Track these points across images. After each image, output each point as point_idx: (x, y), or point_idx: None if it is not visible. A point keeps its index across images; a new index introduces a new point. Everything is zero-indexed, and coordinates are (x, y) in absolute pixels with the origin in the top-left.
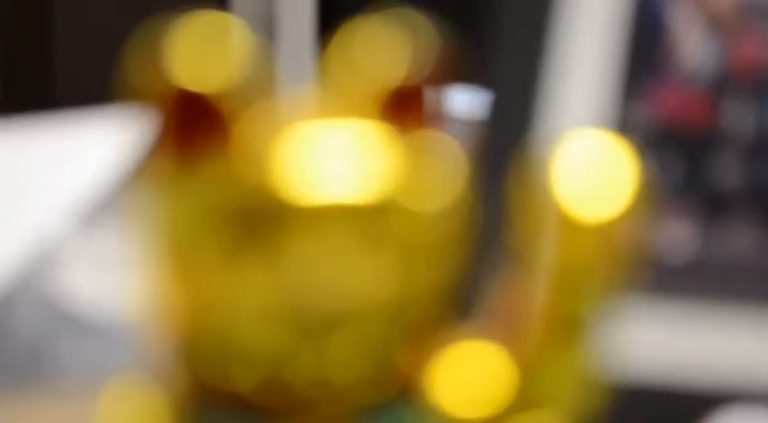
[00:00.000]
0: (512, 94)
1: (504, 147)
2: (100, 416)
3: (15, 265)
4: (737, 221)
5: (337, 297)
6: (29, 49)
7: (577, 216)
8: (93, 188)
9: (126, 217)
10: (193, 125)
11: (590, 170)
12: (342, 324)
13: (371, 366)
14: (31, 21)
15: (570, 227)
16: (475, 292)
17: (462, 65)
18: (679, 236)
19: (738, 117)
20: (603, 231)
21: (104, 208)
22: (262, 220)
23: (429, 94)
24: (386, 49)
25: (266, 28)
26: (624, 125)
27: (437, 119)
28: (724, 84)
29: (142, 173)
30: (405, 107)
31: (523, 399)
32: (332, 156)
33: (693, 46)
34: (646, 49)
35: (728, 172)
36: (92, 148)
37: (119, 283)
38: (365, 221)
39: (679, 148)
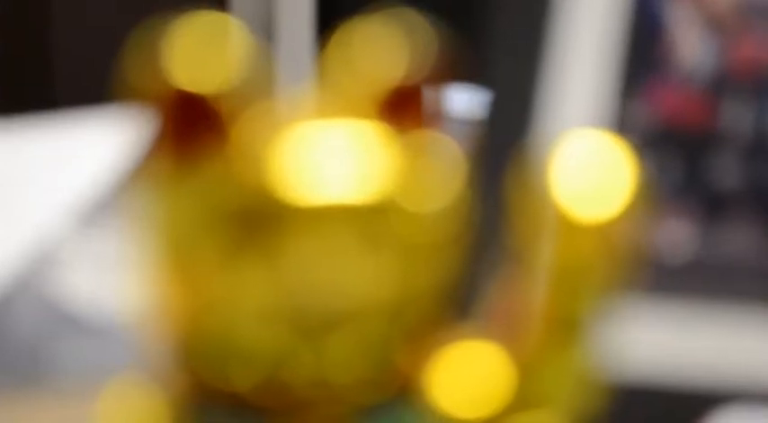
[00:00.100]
0: (510, 94)
1: (503, 147)
2: (99, 416)
3: (14, 265)
4: (736, 221)
5: (336, 297)
6: (28, 49)
7: (576, 216)
8: (93, 188)
9: (125, 217)
10: (192, 126)
11: (589, 170)
12: (341, 324)
13: (370, 366)
14: (30, 20)
15: (569, 227)
16: (474, 292)
17: (461, 65)
18: (678, 236)
19: (737, 117)
20: (602, 231)
21: (103, 208)
22: (261, 221)
23: (427, 94)
24: (384, 49)
25: (265, 29)
26: (623, 125)
27: (436, 119)
28: (723, 84)
29: (141, 173)
30: (403, 107)
31: (522, 399)
32: (331, 156)
33: (692, 46)
34: (644, 48)
35: (727, 172)
36: (91, 149)
37: (118, 283)
38: (364, 222)
39: (678, 148)
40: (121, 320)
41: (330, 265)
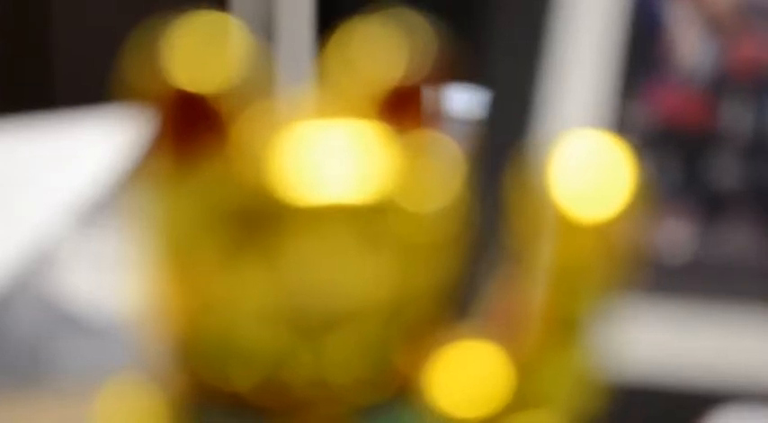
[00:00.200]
0: (510, 94)
1: (502, 147)
2: (98, 416)
3: (13, 265)
4: (736, 221)
5: (335, 297)
6: (27, 49)
7: (575, 216)
8: (92, 188)
9: (124, 217)
10: (191, 125)
11: (588, 170)
12: (340, 324)
13: (369, 366)
14: (29, 20)
15: (568, 227)
16: (473, 292)
17: (460, 65)
18: (677, 236)
19: (736, 117)
20: (601, 231)
21: (103, 208)
22: (260, 221)
23: (427, 94)
24: (384, 49)
25: (265, 28)
26: (622, 125)
27: (435, 119)
28: (722, 84)
29: (140, 173)
30: (402, 107)
31: (521, 399)
32: (330, 156)
33: (691, 46)
34: (644, 49)
35: (727, 172)
36: (90, 148)
37: (117, 283)
38: (363, 222)
39: (677, 148)
40: (121, 320)
41: (329, 264)
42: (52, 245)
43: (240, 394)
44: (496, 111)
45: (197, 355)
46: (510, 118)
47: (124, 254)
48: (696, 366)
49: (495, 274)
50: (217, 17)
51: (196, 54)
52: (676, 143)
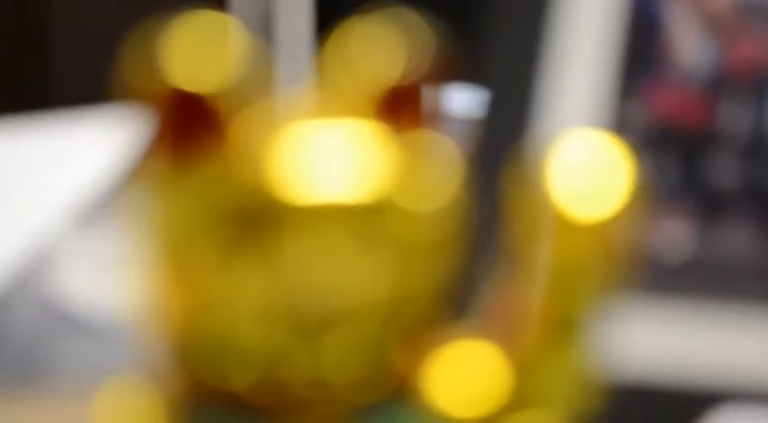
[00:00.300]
0: (508, 94)
1: (501, 146)
2: (97, 416)
3: (12, 265)
4: (734, 221)
5: (333, 297)
6: (26, 49)
7: (573, 216)
8: (90, 188)
9: (123, 217)
10: (189, 125)
11: (586, 170)
12: (338, 324)
13: (367, 366)
14: (28, 20)
15: (566, 227)
16: (471, 292)
17: (458, 64)
18: (676, 235)
19: (735, 117)
20: (599, 231)
21: (101, 208)
22: (258, 220)
23: (425, 93)
24: (382, 48)
25: (264, 28)
26: (621, 125)
27: (433, 118)
28: (721, 83)
29: (139, 173)
30: (401, 107)
31: (519, 398)
32: (328, 155)
33: (690, 45)
34: (642, 48)
35: (725, 171)
36: (89, 148)
37: (116, 282)
38: (361, 221)
39: (676, 147)
40: (119, 320)
41: (327, 264)
42: (51, 245)
43: (238, 394)
44: (495, 110)
45: (195, 355)
46: (508, 117)
47: (122, 254)
48: (695, 366)
49: (493, 273)
50: (215, 17)
51: (194, 54)
52: (675, 143)
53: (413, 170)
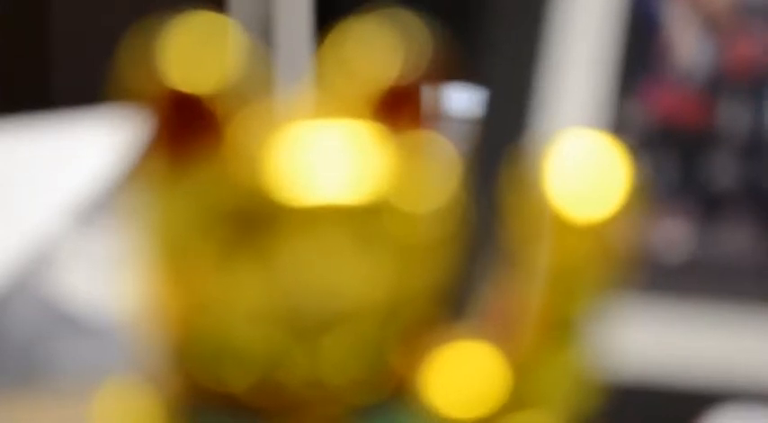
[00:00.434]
0: (506, 94)
1: (499, 146)
2: (95, 416)
3: (11, 265)
4: (733, 221)
5: (331, 298)
6: (26, 49)
7: (571, 216)
8: (89, 188)
9: (121, 217)
10: (187, 126)
11: (584, 170)
12: (335, 325)
13: (365, 367)
14: (28, 20)
15: (564, 227)
16: (469, 293)
17: (456, 64)
18: (675, 235)
19: (733, 116)
20: (597, 231)
21: (100, 208)
22: (256, 221)
23: (423, 93)
24: (380, 49)
25: (263, 29)
26: (619, 125)
27: (431, 119)
28: (719, 83)
29: (137, 173)
30: (398, 107)
31: (517, 399)
32: (325, 156)
33: (688, 45)
34: (641, 48)
35: (724, 171)
36: (87, 149)
37: (114, 283)
38: (359, 222)
39: (674, 147)
40: (118, 321)
41: (325, 265)
42: (50, 245)
43: (236, 395)
44: (493, 110)
45: (193, 356)
46: (507, 117)
47: (121, 254)
48: (693, 366)
49: (491, 274)
50: (214, 18)
51: (193, 55)
52: (673, 142)
53: (411, 171)
